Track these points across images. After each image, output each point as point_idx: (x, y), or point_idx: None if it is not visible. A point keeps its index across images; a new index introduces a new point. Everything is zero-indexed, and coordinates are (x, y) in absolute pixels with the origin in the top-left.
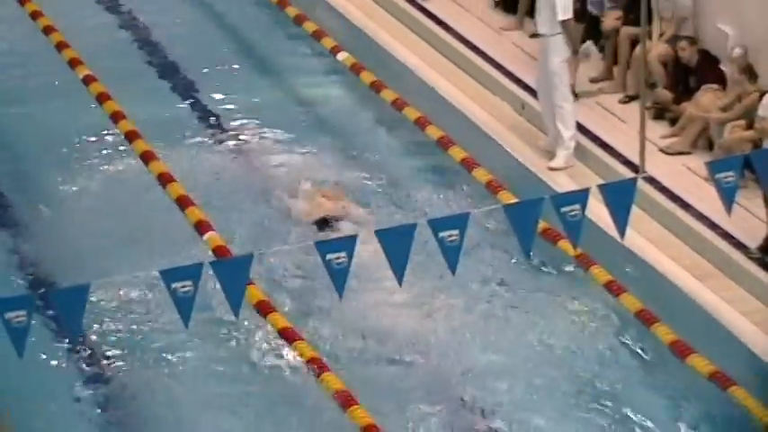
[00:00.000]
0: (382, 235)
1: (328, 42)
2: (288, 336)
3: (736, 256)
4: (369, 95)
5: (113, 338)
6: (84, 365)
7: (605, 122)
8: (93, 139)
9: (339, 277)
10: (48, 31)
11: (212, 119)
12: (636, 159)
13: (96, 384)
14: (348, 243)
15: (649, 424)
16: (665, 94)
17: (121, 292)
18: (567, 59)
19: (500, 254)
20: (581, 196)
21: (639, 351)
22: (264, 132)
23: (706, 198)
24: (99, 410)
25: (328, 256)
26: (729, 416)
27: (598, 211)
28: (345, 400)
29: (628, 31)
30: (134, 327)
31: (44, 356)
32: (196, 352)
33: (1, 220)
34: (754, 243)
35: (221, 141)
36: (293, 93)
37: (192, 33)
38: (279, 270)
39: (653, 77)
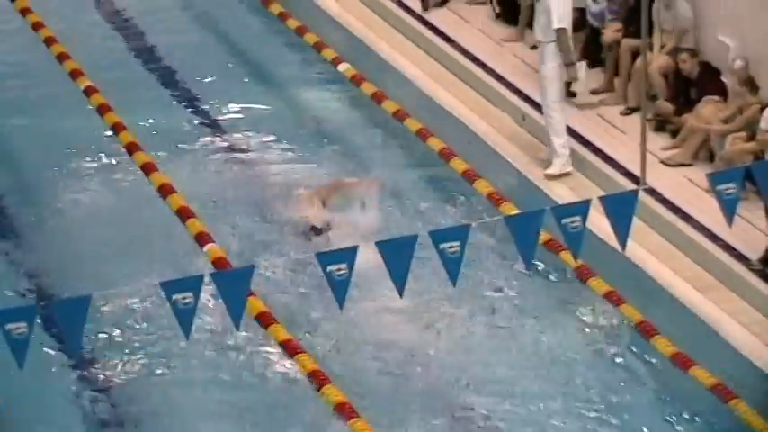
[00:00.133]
0: (383, 246)
1: (329, 53)
2: (289, 348)
3: (738, 267)
4: (370, 107)
5: (114, 347)
6: (84, 374)
7: (606, 134)
8: (94, 149)
9: (340, 289)
10: (49, 42)
11: (212, 129)
12: (637, 171)
13: (96, 393)
14: (349, 254)
15: None
16: (666, 106)
17: (122, 302)
18: (560, 66)
19: (502, 263)
20: (582, 208)
21: (641, 363)
22: (264, 143)
23: (707, 210)
24: (99, 418)
25: (329, 268)
26: (730, 429)
27: (599, 222)
28: (346, 413)
29: (628, 43)
30: (134, 335)
31: (44, 365)
32: (197, 360)
33: (1, 231)
34: (755, 255)
35: (220, 151)
36: (294, 103)
37: (191, 43)
38: (276, 280)
39: (654, 89)
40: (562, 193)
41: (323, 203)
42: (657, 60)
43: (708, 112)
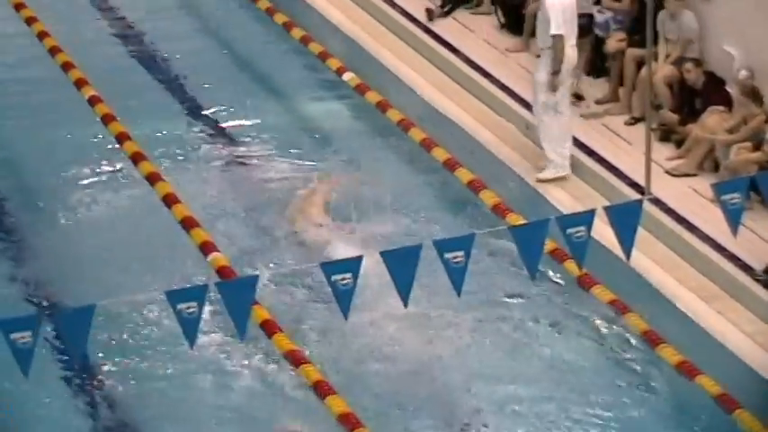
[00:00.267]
0: (387, 256)
1: (334, 62)
2: (293, 358)
3: (742, 277)
4: (374, 116)
5: (116, 354)
6: (87, 382)
7: (611, 144)
8: (97, 158)
9: (344, 298)
10: (54, 52)
11: (216, 137)
12: (642, 181)
13: (99, 400)
14: (353, 264)
15: None
16: (670, 116)
17: (126, 310)
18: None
19: (508, 272)
20: (587, 218)
21: (646, 372)
22: (268, 151)
23: (712, 220)
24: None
25: (333, 277)
26: None
27: (604, 232)
28: (350, 424)
29: (633, 52)
30: (136, 342)
31: (47, 372)
32: (200, 367)
33: (4, 240)
34: (760, 265)
35: (223, 159)
36: (299, 112)
37: (195, 50)
38: (280, 289)
39: (659, 99)
40: (566, 203)
41: (307, 213)
42: (662, 70)
43: (713, 121)
